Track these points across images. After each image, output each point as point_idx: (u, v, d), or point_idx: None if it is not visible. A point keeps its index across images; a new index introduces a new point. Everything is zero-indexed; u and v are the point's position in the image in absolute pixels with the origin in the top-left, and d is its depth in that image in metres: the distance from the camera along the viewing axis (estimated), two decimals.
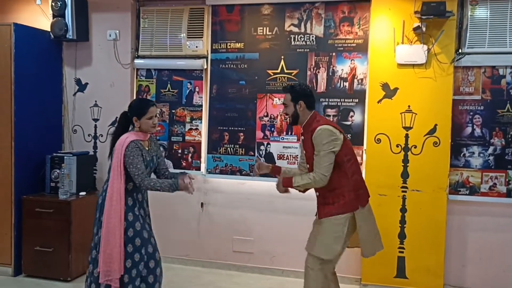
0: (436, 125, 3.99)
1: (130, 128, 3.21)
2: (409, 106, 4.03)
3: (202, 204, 4.67)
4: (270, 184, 4.45)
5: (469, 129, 4.04)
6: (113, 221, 3.01)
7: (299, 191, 3.22)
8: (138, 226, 3.10)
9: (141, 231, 3.10)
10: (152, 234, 3.23)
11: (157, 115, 3.25)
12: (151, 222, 3.33)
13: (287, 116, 3.27)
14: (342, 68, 4.26)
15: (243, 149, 4.51)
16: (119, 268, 3.01)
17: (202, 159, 4.65)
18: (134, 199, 3.14)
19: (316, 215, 3.26)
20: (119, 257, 3.01)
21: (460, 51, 3.98)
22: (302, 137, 3.25)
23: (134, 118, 3.15)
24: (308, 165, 3.20)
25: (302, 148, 3.29)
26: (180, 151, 4.69)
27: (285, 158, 4.39)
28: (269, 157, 4.42)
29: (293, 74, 4.36)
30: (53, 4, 4.55)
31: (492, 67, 3.99)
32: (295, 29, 4.37)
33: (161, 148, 3.33)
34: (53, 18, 4.59)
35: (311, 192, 4.42)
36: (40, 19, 4.81)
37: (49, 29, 4.61)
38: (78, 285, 4.16)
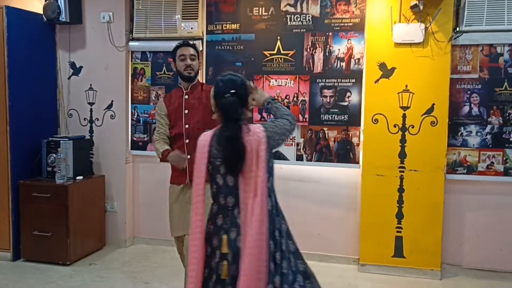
0: (433, 104, 3.97)
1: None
2: (406, 86, 4.01)
3: None
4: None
5: (466, 108, 4.02)
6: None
7: None
8: None
9: None
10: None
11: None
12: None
13: (190, 70, 3.19)
14: (339, 48, 4.22)
15: None
16: None
17: None
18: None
19: (186, 183, 3.12)
20: None
21: (457, 29, 3.94)
22: (186, 96, 3.19)
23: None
24: (187, 126, 3.11)
25: (185, 111, 3.15)
26: None
27: None
28: None
29: (289, 55, 4.31)
30: None
31: (489, 45, 3.96)
32: (291, 9, 4.31)
33: None
34: (45, 1, 4.51)
35: (311, 176, 4.43)
36: (32, 1, 4.73)
37: (41, 12, 4.53)
38: (77, 268, 4.17)
